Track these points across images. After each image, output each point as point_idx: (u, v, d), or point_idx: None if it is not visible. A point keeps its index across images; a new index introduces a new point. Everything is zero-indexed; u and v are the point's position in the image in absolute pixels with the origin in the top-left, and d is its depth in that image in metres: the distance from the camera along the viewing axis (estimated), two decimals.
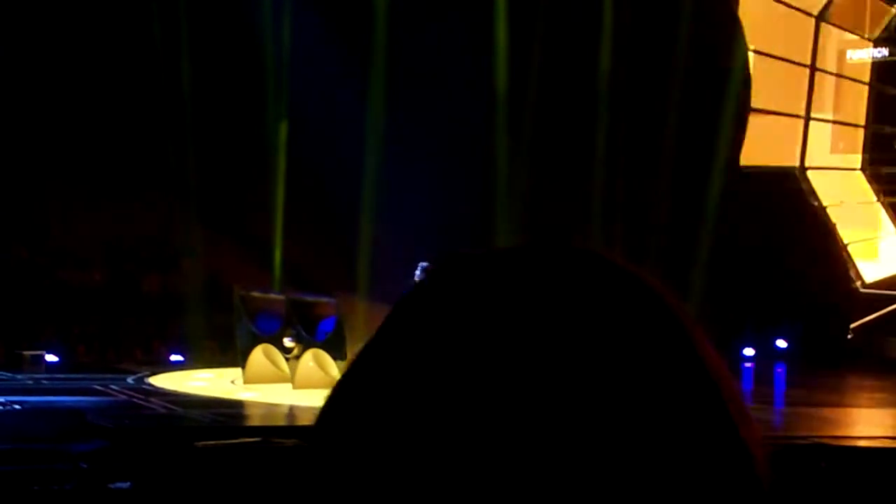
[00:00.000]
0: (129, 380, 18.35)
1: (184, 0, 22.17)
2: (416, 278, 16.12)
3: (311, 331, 17.64)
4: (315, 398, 16.63)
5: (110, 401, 16.36)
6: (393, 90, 23.03)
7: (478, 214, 23.04)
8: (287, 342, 17.85)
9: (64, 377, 18.41)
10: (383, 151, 22.90)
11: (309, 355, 17.59)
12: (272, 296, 18.60)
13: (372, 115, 23.01)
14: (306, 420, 15.68)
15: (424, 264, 16.25)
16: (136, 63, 21.95)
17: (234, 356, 18.78)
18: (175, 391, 17.46)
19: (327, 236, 22.78)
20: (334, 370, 17.26)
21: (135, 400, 16.47)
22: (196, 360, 20.38)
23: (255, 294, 18.68)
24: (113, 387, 17.47)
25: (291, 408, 16.47)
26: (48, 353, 19.94)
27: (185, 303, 21.49)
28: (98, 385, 17.56)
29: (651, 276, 0.92)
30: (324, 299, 17.93)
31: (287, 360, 17.87)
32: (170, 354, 20.74)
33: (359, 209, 22.75)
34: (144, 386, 17.89)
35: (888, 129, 24.39)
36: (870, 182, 24.86)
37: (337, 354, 17.25)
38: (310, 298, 18.28)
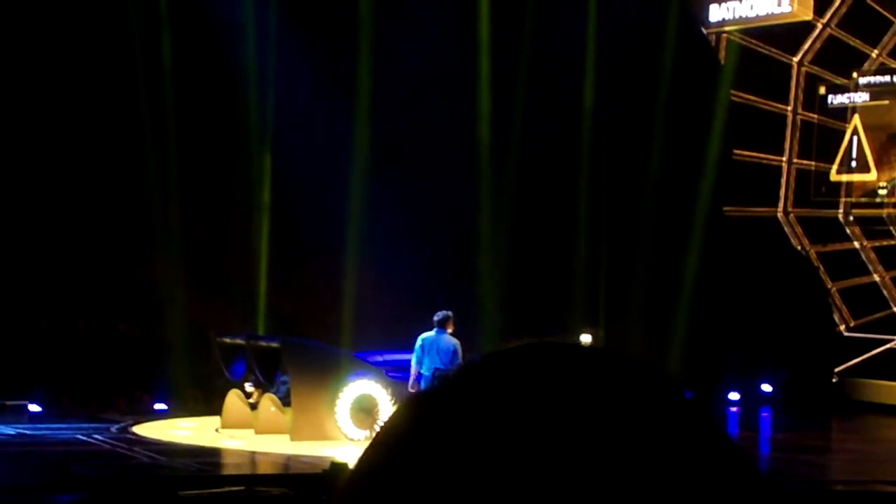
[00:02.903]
0: (113, 429, 18.25)
1: (168, 51, 22.21)
2: (436, 319, 16.21)
3: (270, 375, 17.63)
4: (293, 446, 16.59)
5: (94, 450, 16.26)
6: (377, 141, 23.07)
7: (459, 261, 23.06)
8: (247, 387, 17.89)
9: (47, 427, 18.31)
10: (367, 200, 22.92)
11: (268, 400, 17.59)
12: (239, 341, 18.58)
13: (356, 167, 23.02)
14: (290, 469, 15.61)
15: (442, 313, 16.33)
16: (118, 110, 21.97)
17: (217, 404, 18.74)
18: (159, 440, 17.37)
19: (311, 282, 22.76)
20: (286, 415, 17.30)
21: (118, 449, 16.37)
22: (180, 408, 20.29)
23: (227, 340, 18.68)
24: (96, 436, 17.37)
25: (275, 456, 16.41)
26: (31, 402, 19.83)
27: (168, 351, 21.42)
28: (81, 435, 17.46)
29: (650, 363, 0.89)
30: (274, 344, 17.93)
31: (250, 405, 17.89)
32: (153, 403, 20.65)
33: (343, 257, 22.74)
34: (128, 435, 17.79)
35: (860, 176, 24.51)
36: (851, 226, 24.95)
37: (284, 399, 17.27)
38: (264, 343, 18.28)
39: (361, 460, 0.87)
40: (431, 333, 16.35)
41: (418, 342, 16.36)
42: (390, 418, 0.87)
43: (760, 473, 0.86)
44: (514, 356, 0.87)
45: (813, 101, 25.07)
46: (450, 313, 16.46)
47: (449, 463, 0.82)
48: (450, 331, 16.35)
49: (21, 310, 21.39)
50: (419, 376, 16.20)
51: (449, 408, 0.85)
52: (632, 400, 0.85)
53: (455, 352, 16.15)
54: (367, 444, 0.89)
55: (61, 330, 21.51)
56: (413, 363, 16.36)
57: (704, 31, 25.08)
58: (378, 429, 0.89)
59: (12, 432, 17.86)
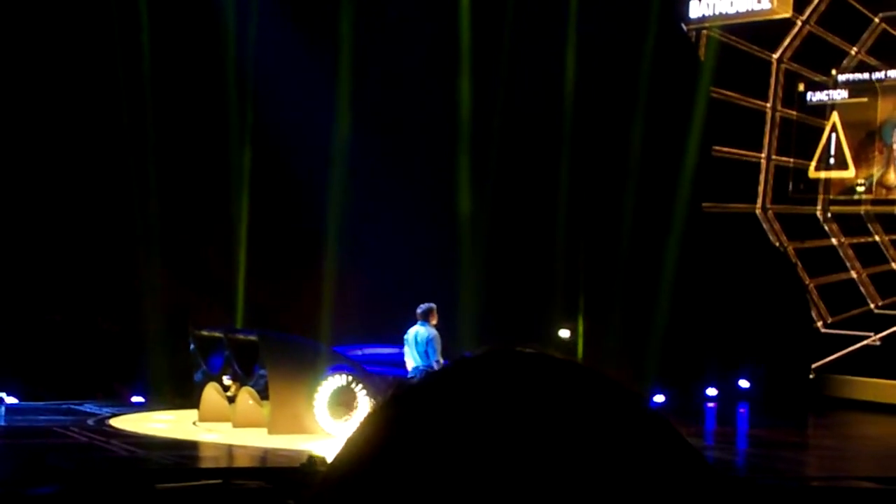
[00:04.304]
0: (90, 421, 18.20)
1: (147, 35, 22.10)
2: (418, 312, 16.41)
3: (249, 369, 17.60)
4: (271, 439, 16.58)
5: (70, 443, 16.22)
6: (358, 134, 23.03)
7: (439, 255, 23.05)
8: (225, 380, 17.88)
9: (23, 419, 18.25)
10: (348, 193, 22.89)
11: (246, 393, 17.58)
12: (217, 334, 18.55)
13: (336, 161, 22.98)
14: (267, 462, 15.61)
15: (424, 306, 16.44)
16: (96, 100, 21.88)
17: (194, 397, 18.70)
18: (136, 433, 17.34)
19: (290, 276, 22.73)
20: (264, 409, 17.29)
21: (95, 442, 16.33)
22: (157, 401, 20.26)
23: (205, 333, 18.65)
24: (73, 429, 17.32)
25: (253, 449, 16.39)
26: (7, 394, 19.76)
27: (146, 344, 21.36)
28: (58, 427, 17.41)
29: (601, 372, 0.91)
30: (252, 337, 17.91)
31: (228, 398, 17.87)
32: (131, 396, 20.61)
33: (322, 251, 22.71)
34: (105, 428, 17.75)
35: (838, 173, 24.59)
36: (829, 223, 25.03)
37: (262, 393, 17.26)
38: (242, 337, 18.26)
39: (336, 460, 0.89)
40: (415, 327, 16.51)
41: (405, 337, 16.57)
42: (365, 418, 0.90)
43: (719, 475, 0.88)
44: (478, 364, 0.90)
45: (792, 98, 25.15)
46: (432, 305, 16.59)
47: (416, 465, 0.85)
48: (433, 323, 16.48)
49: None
50: (415, 370, 16.30)
51: (418, 411, 0.88)
52: (584, 407, 0.87)
53: (429, 343, 16.23)
54: (343, 441, 0.91)
55: (39, 322, 21.43)
56: (405, 358, 16.58)
57: (685, 27, 25.12)
58: (354, 427, 0.92)
59: None
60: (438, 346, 16.27)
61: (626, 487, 0.84)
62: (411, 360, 16.46)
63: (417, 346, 16.34)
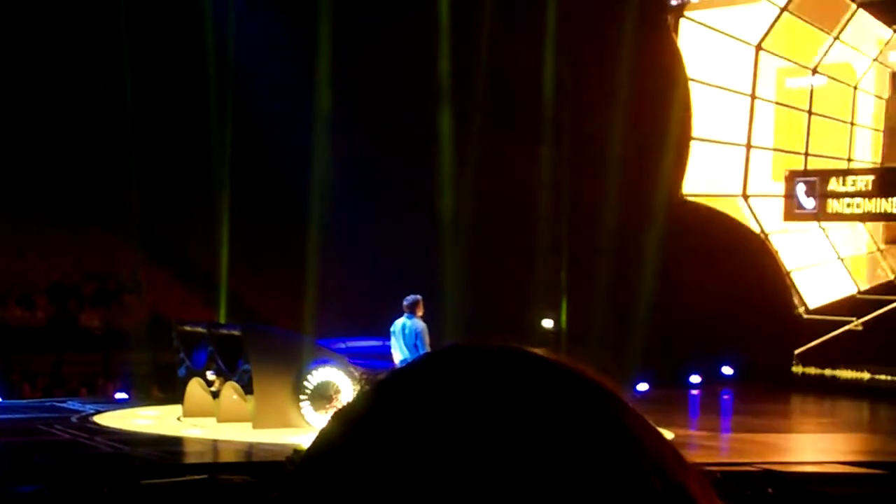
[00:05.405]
0: (74, 419, 18.16)
1: (125, 34, 22.05)
2: (405, 303, 16.31)
3: (232, 363, 17.58)
4: (255, 434, 16.57)
5: (55, 440, 16.18)
6: (341, 119, 23.01)
7: (422, 246, 23.05)
8: (209, 375, 17.84)
9: (7, 417, 18.20)
10: (331, 186, 22.87)
11: (230, 388, 17.55)
12: (200, 329, 18.51)
13: (318, 152, 22.96)
14: (252, 456, 15.59)
15: (410, 297, 16.37)
16: (78, 96, 21.82)
17: (178, 393, 18.68)
18: (120, 429, 17.30)
19: (273, 270, 22.71)
20: (248, 403, 17.28)
21: (79, 439, 16.29)
22: (141, 397, 20.23)
23: (188, 328, 18.62)
24: (57, 426, 17.28)
25: (237, 444, 16.38)
26: None
27: (129, 339, 21.33)
28: (42, 424, 17.37)
29: (576, 364, 0.92)
30: (235, 331, 17.87)
31: (212, 393, 17.85)
32: (115, 392, 20.57)
33: (305, 243, 22.69)
34: (89, 424, 17.70)
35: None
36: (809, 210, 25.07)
37: (247, 388, 17.23)
38: (225, 331, 18.22)
39: (308, 453, 0.90)
40: (402, 319, 16.42)
41: (391, 329, 16.47)
42: (336, 412, 0.91)
43: (693, 470, 0.88)
44: (441, 361, 0.91)
45: (771, 85, 25.20)
46: (419, 297, 16.50)
47: (381, 459, 0.86)
48: (419, 314, 16.39)
49: None
50: (402, 362, 16.22)
51: (385, 407, 0.90)
52: (545, 403, 0.88)
53: (417, 335, 16.18)
54: (315, 434, 0.92)
55: (21, 319, 21.37)
56: (392, 350, 16.49)
57: (665, 13, 25.14)
58: (334, 414, 0.93)
59: None
60: (426, 339, 16.22)
61: (586, 483, 0.84)
62: (398, 353, 16.39)
63: (405, 339, 16.26)
